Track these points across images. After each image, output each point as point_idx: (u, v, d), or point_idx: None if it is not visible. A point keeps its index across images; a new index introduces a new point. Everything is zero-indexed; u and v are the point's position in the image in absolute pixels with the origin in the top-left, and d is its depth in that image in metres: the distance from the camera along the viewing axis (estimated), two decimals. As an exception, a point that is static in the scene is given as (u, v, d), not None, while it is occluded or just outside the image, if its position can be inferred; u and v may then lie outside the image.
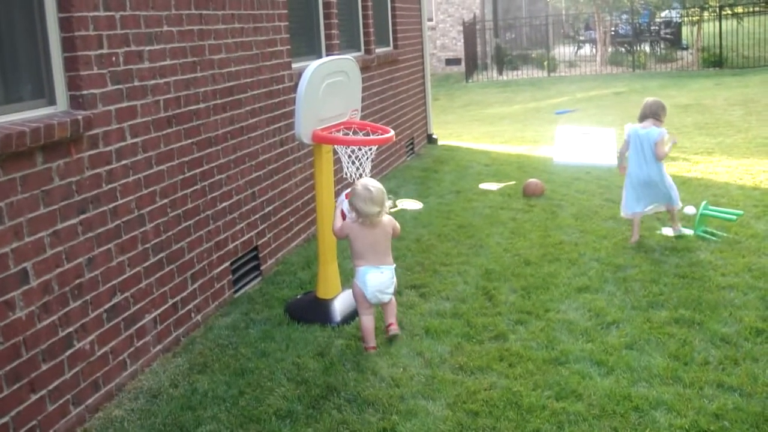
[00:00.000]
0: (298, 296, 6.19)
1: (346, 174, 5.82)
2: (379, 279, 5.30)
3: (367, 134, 6.08)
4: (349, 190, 5.41)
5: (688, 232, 7.41)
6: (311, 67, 5.60)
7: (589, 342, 5.22)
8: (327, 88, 5.71)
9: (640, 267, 6.61)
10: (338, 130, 5.94)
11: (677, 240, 7.28)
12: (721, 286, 6.08)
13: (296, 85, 7.53)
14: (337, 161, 5.96)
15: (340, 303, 5.88)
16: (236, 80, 6.43)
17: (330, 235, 5.89)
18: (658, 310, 5.71)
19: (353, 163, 5.80)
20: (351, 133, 6.03)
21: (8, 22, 4.24)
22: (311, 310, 5.84)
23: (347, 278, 6.45)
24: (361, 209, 5.20)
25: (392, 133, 5.93)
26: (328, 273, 5.93)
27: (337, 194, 5.86)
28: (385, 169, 10.79)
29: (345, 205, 5.44)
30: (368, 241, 5.30)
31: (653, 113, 7.30)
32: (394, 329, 5.41)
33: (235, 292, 6.40)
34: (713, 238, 7.26)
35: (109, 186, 4.77)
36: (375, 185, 5.25)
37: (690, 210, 7.61)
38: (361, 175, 5.75)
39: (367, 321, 5.34)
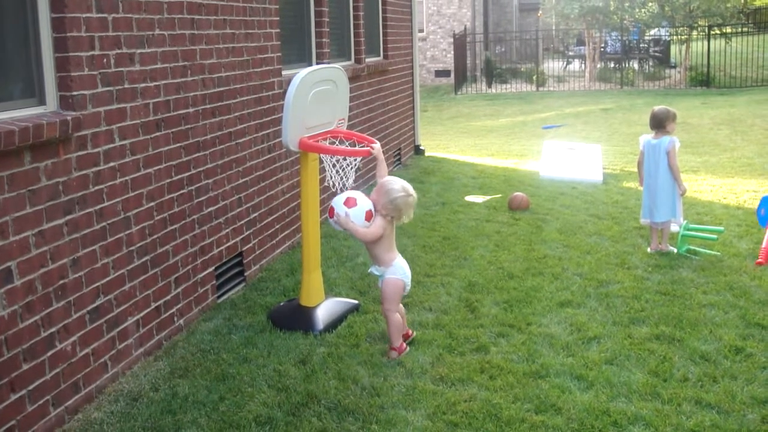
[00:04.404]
0: (282, 303, 6.19)
1: (329, 182, 5.82)
2: (407, 265, 5.43)
3: (354, 144, 6.09)
4: (341, 198, 5.30)
5: (673, 250, 7.47)
6: (300, 74, 5.62)
7: (569, 356, 5.25)
8: (315, 96, 5.73)
9: (623, 283, 6.65)
10: (325, 139, 5.95)
11: (660, 257, 7.33)
12: (702, 304, 6.13)
13: (285, 92, 7.58)
14: (323, 169, 5.97)
15: (323, 311, 5.88)
16: (226, 86, 6.44)
17: (315, 242, 5.91)
18: (639, 326, 5.75)
19: (337, 172, 5.81)
20: (337, 143, 6.05)
21: (0, 21, 4.24)
22: (294, 317, 5.84)
23: (330, 286, 6.48)
24: (408, 214, 5.26)
25: (377, 145, 5.86)
26: (311, 281, 5.94)
27: (324, 203, 5.80)
28: (372, 178, 10.80)
29: (371, 205, 5.28)
30: (394, 233, 5.38)
31: (658, 124, 7.47)
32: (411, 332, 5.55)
33: (219, 297, 6.40)
34: (695, 257, 7.31)
35: (96, 187, 4.77)
36: (411, 190, 5.29)
37: (674, 227, 7.68)
38: (344, 185, 5.74)
39: (400, 318, 5.36)
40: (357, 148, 5.85)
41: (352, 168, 5.82)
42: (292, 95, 5.53)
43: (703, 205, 9.48)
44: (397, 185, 5.25)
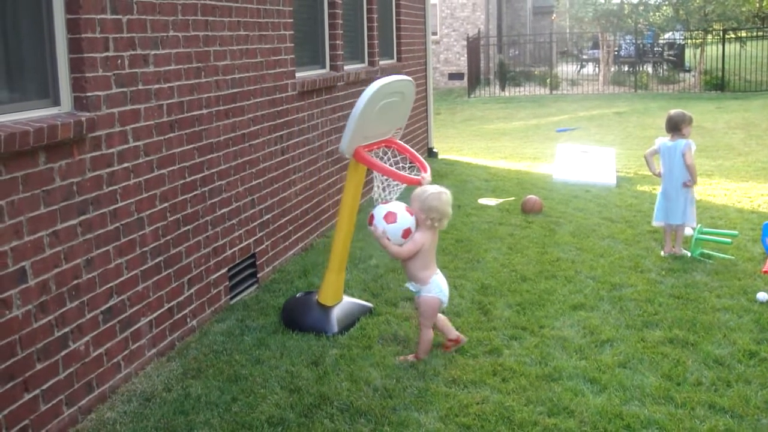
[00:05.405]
0: (298, 295, 6.14)
1: (374, 194, 5.79)
2: (446, 281, 5.35)
3: (405, 159, 6.01)
4: (382, 211, 5.20)
5: (687, 253, 7.44)
6: (373, 86, 5.45)
7: (582, 359, 5.23)
8: (382, 107, 5.61)
9: (636, 286, 6.63)
10: (379, 148, 5.88)
11: (674, 261, 7.30)
12: (716, 308, 6.10)
13: (299, 94, 7.60)
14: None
15: (339, 312, 5.86)
16: (240, 87, 6.45)
17: (345, 244, 5.85)
18: (653, 329, 5.73)
19: (383, 187, 5.75)
20: (389, 153, 5.98)
21: (16, 22, 4.27)
22: (309, 314, 5.81)
23: (346, 290, 6.46)
24: (447, 213, 5.23)
25: (428, 176, 5.67)
26: (334, 281, 5.91)
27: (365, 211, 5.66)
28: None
29: (411, 222, 5.19)
30: (434, 246, 5.31)
31: (673, 127, 7.48)
32: (463, 338, 5.49)
33: (231, 298, 6.41)
34: (709, 261, 7.28)
35: (110, 188, 4.79)
36: (443, 189, 5.26)
37: (688, 231, 7.66)
38: (385, 199, 5.67)
39: (432, 335, 5.31)
40: (408, 174, 5.68)
41: (399, 187, 5.77)
42: (362, 106, 5.40)
43: (717, 209, 9.44)
44: (429, 187, 5.26)
